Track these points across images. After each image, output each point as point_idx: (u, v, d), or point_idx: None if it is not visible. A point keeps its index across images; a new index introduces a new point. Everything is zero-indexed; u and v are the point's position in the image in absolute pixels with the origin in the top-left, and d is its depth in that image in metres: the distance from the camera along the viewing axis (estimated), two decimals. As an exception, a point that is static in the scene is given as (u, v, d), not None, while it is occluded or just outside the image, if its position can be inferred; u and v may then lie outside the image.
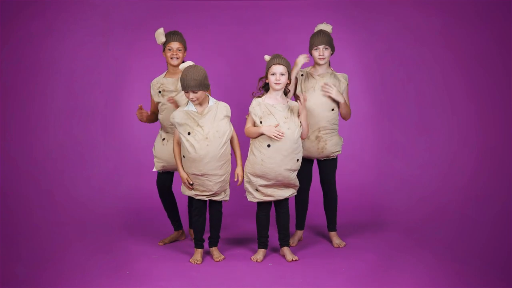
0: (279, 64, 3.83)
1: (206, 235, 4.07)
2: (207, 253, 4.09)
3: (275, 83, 3.84)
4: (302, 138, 3.93)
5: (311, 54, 4.17)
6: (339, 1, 5.52)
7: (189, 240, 4.40)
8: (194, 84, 3.72)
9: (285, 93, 3.94)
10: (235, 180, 3.93)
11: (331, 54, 4.16)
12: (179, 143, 3.89)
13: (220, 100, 3.92)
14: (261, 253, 4.03)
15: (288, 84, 3.92)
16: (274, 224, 4.14)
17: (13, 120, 5.35)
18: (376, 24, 5.46)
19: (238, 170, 3.93)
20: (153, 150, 4.28)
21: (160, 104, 4.17)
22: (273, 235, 4.21)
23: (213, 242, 4.05)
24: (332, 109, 4.11)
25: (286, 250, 4.03)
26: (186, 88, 3.74)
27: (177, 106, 3.99)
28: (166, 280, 3.66)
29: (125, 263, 3.93)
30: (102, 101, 5.50)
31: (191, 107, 3.85)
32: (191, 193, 3.93)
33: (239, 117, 4.21)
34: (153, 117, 4.28)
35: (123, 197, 5.22)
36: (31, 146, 5.34)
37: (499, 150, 5.04)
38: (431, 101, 5.38)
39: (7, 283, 3.60)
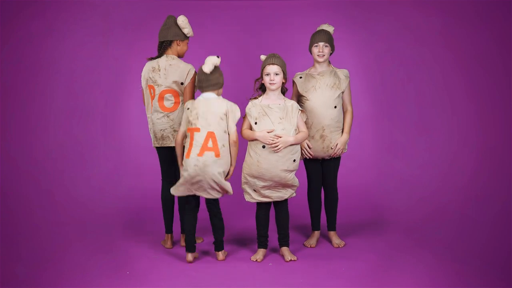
0: (273, 64, 3.84)
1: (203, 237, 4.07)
2: (205, 254, 4.10)
3: (270, 83, 3.85)
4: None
5: (310, 52, 4.17)
6: (339, 1, 5.53)
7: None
8: (211, 84, 3.91)
9: (283, 91, 3.94)
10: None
11: (331, 53, 4.16)
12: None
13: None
14: (260, 253, 4.03)
15: (284, 83, 3.92)
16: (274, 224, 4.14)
17: (13, 120, 5.35)
18: (376, 24, 5.46)
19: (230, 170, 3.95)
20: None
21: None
22: (273, 235, 4.21)
23: (219, 246, 4.03)
24: (335, 107, 4.11)
25: (285, 250, 4.03)
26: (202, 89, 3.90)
27: None
28: (166, 280, 3.66)
29: (125, 263, 3.93)
30: (102, 101, 5.51)
31: None
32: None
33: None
34: None
35: (123, 197, 5.22)
36: (31, 146, 5.35)
37: (499, 150, 5.04)
38: (431, 101, 5.38)
39: (7, 283, 3.60)
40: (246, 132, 3.89)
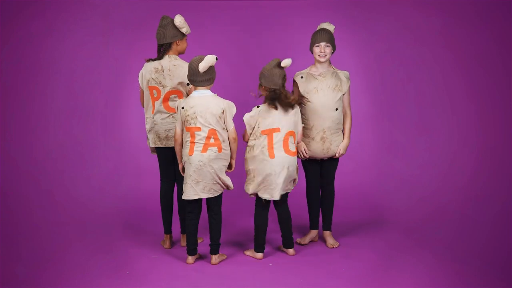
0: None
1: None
2: (205, 254, 4.10)
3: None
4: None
5: (312, 51, 4.17)
6: (339, 1, 5.53)
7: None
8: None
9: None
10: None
11: (332, 53, 4.15)
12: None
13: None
14: (258, 256, 4.03)
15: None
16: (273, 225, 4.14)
17: (13, 120, 5.35)
18: (376, 24, 5.46)
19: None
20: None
21: None
22: (272, 235, 4.22)
23: (215, 249, 4.02)
24: (336, 109, 4.11)
25: (291, 251, 4.09)
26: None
27: None
28: (166, 280, 3.66)
29: (125, 263, 3.93)
30: (102, 101, 5.51)
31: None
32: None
33: (239, 117, 4.20)
34: None
35: (123, 197, 5.21)
36: (31, 146, 5.35)
37: (499, 150, 5.05)
38: (431, 101, 5.38)
39: (7, 283, 3.60)
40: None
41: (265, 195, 3.92)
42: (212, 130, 3.80)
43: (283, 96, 3.86)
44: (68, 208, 5.00)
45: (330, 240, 4.27)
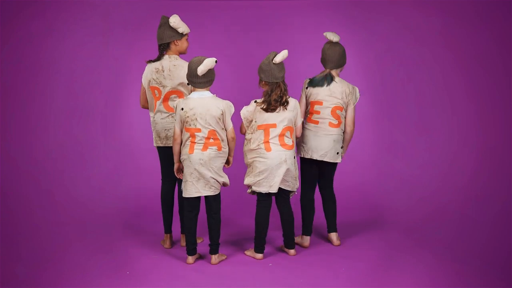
0: None
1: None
2: (205, 254, 4.10)
3: None
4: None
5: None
6: (339, 1, 5.52)
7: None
8: None
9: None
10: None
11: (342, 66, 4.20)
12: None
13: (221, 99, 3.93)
14: (258, 256, 4.03)
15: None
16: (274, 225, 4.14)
17: (13, 120, 5.35)
18: (376, 24, 5.46)
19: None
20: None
21: None
22: (274, 235, 4.22)
23: (215, 249, 4.02)
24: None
25: (292, 252, 4.10)
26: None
27: None
28: (166, 280, 3.66)
29: (125, 263, 3.93)
30: (102, 101, 5.51)
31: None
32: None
33: (239, 116, 4.21)
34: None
35: (123, 197, 5.21)
36: (31, 146, 5.34)
37: (499, 150, 5.05)
38: (431, 101, 5.38)
39: (7, 283, 3.60)
40: None
41: (262, 189, 3.93)
42: (212, 131, 3.81)
43: (275, 94, 3.87)
44: (68, 208, 5.00)
45: (338, 241, 4.29)
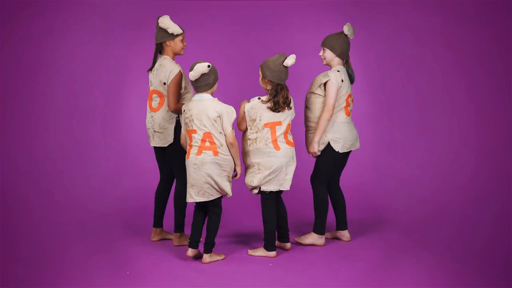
0: None
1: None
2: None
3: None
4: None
5: None
6: (339, 1, 5.53)
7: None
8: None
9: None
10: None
11: (335, 54, 4.14)
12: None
13: (220, 100, 3.91)
14: (272, 254, 4.04)
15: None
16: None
17: (13, 120, 5.35)
18: (376, 24, 5.46)
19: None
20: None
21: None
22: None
23: (208, 248, 4.00)
24: (307, 107, 4.16)
25: (288, 245, 4.11)
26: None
27: None
28: (166, 280, 3.66)
29: (125, 263, 3.92)
30: (102, 101, 5.51)
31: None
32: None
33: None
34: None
35: (123, 197, 5.22)
36: (31, 146, 5.35)
37: (499, 150, 5.05)
38: (431, 101, 5.38)
39: (7, 283, 3.60)
40: None
41: (271, 187, 3.94)
42: (207, 133, 3.78)
43: (283, 96, 3.87)
44: (68, 208, 5.00)
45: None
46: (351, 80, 4.19)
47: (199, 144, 3.80)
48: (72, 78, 5.47)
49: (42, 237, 4.45)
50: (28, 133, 5.36)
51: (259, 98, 3.93)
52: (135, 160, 5.45)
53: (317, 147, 4.09)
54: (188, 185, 3.88)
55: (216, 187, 3.85)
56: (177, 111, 4.06)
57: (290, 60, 3.84)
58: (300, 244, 4.23)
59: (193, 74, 3.75)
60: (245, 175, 4.03)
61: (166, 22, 4.06)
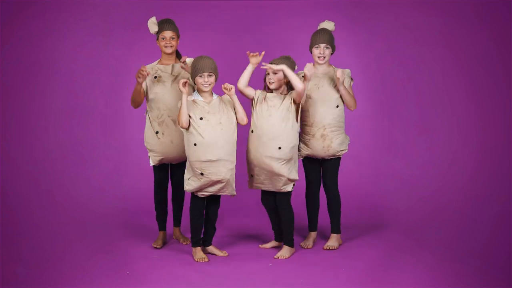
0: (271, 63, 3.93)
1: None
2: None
3: (269, 83, 3.97)
4: (350, 109, 4.14)
5: (311, 52, 4.17)
6: (339, 1, 5.52)
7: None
8: (212, 67, 3.84)
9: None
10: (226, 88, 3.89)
11: (332, 53, 4.15)
12: (186, 127, 3.85)
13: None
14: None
15: (285, 82, 3.96)
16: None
17: (13, 120, 5.35)
18: (376, 24, 5.46)
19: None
20: (145, 144, 4.24)
21: (153, 95, 4.14)
22: (271, 233, 4.21)
23: (209, 240, 4.08)
24: (337, 106, 4.10)
25: (285, 248, 4.07)
26: (203, 70, 3.81)
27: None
28: (166, 280, 3.66)
29: (125, 263, 3.93)
30: (102, 101, 5.50)
31: (197, 97, 3.87)
32: (201, 192, 3.91)
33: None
34: (139, 100, 4.19)
35: (123, 197, 5.21)
36: (31, 146, 5.34)
37: (499, 150, 5.05)
38: (431, 101, 5.38)
39: (7, 283, 3.60)
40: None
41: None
42: None
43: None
44: (68, 208, 5.00)
45: (329, 242, 4.24)
46: None
47: None
48: (72, 78, 5.46)
49: (42, 237, 4.45)
50: (28, 133, 5.36)
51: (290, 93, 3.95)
52: (135, 160, 5.44)
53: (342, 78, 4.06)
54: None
55: (228, 177, 3.92)
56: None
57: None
58: (330, 249, 4.20)
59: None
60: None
61: (148, 22, 4.12)
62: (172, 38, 4.14)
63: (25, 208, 4.94)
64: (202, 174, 3.82)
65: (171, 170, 4.30)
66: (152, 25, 4.11)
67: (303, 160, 4.24)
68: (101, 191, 5.24)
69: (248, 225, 4.68)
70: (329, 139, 4.10)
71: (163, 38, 4.13)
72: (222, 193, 3.93)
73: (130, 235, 4.51)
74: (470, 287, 3.53)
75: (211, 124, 3.79)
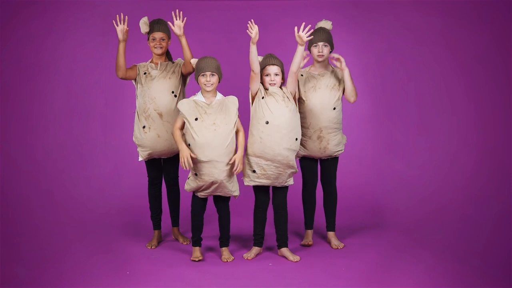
0: (273, 64, 3.91)
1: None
2: (206, 251, 4.10)
3: (270, 84, 3.91)
4: (350, 100, 4.11)
5: (310, 51, 4.17)
6: (339, 1, 5.53)
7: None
8: (215, 66, 3.82)
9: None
10: (232, 165, 3.83)
11: (330, 51, 4.15)
12: (181, 128, 3.85)
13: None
14: (253, 251, 4.04)
15: (283, 82, 3.95)
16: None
17: (13, 120, 5.35)
18: (376, 24, 5.46)
19: (236, 155, 3.83)
20: (134, 139, 4.23)
21: (140, 89, 4.14)
22: (269, 232, 4.22)
23: (225, 242, 4.06)
24: (334, 108, 4.10)
25: (285, 251, 4.03)
26: (205, 69, 3.80)
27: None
28: (165, 280, 3.66)
29: (125, 263, 3.93)
30: (102, 101, 5.51)
31: (200, 98, 3.86)
32: (199, 192, 3.91)
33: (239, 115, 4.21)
34: (121, 63, 4.22)
35: (123, 197, 5.22)
36: (31, 146, 5.35)
37: (499, 150, 5.05)
38: (431, 101, 5.38)
39: (7, 283, 3.60)
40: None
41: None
42: None
43: None
44: (68, 208, 5.00)
45: (335, 242, 4.25)
46: None
47: None
48: (72, 78, 5.46)
49: (42, 237, 4.45)
50: (28, 133, 5.36)
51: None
52: (135, 160, 5.43)
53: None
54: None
55: (221, 178, 3.90)
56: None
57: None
58: (337, 248, 4.21)
59: None
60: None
61: (140, 23, 4.14)
62: (163, 39, 4.16)
63: (25, 208, 4.95)
64: (196, 174, 3.83)
65: (164, 168, 4.30)
66: (144, 25, 4.13)
67: (300, 159, 4.24)
68: (101, 191, 5.24)
69: (248, 225, 4.68)
70: (326, 140, 4.11)
71: (154, 39, 4.16)
72: (219, 194, 3.93)
73: (130, 235, 4.51)
74: (470, 287, 3.53)
75: (204, 125, 3.77)
